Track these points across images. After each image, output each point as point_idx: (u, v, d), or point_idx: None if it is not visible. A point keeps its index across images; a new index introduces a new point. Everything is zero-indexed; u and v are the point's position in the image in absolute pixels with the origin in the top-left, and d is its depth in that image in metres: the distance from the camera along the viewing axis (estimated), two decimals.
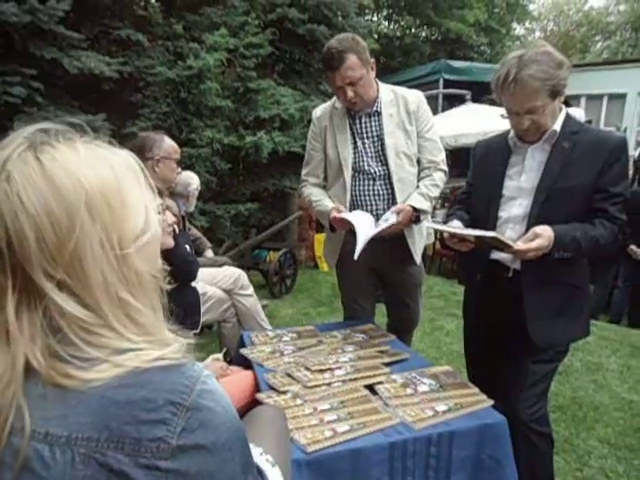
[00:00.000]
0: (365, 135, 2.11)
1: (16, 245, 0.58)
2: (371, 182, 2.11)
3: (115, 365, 0.59)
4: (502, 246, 1.50)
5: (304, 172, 2.26)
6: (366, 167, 2.10)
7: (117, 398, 0.57)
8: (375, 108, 2.10)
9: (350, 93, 1.96)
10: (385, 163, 2.08)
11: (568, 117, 1.57)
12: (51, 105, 3.83)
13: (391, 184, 2.09)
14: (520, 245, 1.45)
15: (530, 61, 1.42)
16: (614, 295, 4.92)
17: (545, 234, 1.44)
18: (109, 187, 0.63)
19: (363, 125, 2.11)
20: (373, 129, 2.10)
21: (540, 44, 1.49)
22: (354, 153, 2.11)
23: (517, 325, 1.61)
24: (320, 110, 2.22)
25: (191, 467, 0.59)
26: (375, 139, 2.10)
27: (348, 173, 2.10)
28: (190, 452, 0.59)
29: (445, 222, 1.84)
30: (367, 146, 2.10)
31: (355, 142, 2.11)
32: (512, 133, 1.65)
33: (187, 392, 0.60)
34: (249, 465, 0.70)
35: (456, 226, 1.67)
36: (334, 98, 2.16)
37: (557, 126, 1.54)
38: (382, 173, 2.09)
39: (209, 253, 3.60)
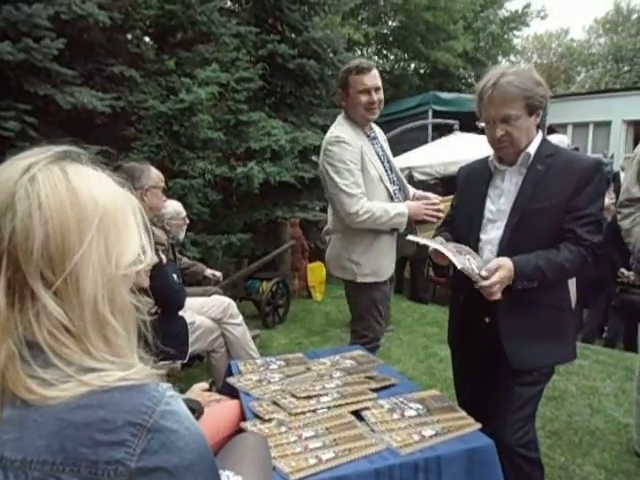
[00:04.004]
0: (380, 155, 2.41)
1: (20, 241, 0.59)
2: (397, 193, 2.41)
3: (79, 384, 0.58)
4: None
5: (359, 191, 2.24)
6: (389, 183, 2.39)
7: (74, 419, 0.56)
8: (372, 133, 2.42)
9: (375, 97, 2.28)
10: (398, 178, 2.45)
11: (544, 141, 1.62)
12: (44, 139, 3.87)
13: (406, 196, 2.45)
14: (484, 282, 1.47)
15: (510, 73, 1.51)
16: (608, 319, 4.91)
17: (506, 266, 1.47)
18: (119, 212, 0.67)
19: (376, 146, 2.41)
20: (379, 150, 2.41)
21: (524, 65, 1.57)
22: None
23: (499, 347, 1.60)
24: (344, 133, 2.30)
25: None
26: (384, 159, 2.41)
27: (390, 186, 2.36)
28: (150, 475, 0.58)
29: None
30: (384, 165, 2.40)
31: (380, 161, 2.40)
32: (492, 156, 1.69)
33: (148, 413, 0.59)
34: None
35: (438, 241, 1.67)
36: (343, 124, 2.35)
37: (532, 149, 1.58)
38: (399, 186, 2.43)
39: (209, 271, 3.56)
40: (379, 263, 2.33)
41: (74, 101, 3.83)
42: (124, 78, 4.58)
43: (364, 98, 2.26)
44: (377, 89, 2.29)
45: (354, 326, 2.49)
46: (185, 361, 2.41)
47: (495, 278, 1.45)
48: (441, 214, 2.23)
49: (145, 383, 0.62)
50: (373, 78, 2.27)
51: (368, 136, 2.39)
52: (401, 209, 2.26)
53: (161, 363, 2.17)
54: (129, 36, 5.07)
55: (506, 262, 1.48)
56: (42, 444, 0.55)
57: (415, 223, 2.29)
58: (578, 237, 1.50)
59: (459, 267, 1.48)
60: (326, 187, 2.37)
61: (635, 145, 2.27)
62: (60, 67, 3.75)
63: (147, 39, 5.31)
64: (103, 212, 0.64)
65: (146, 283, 1.96)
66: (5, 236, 0.59)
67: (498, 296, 1.49)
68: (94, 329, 0.62)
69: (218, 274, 3.59)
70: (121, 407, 0.58)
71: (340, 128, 2.33)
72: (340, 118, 2.40)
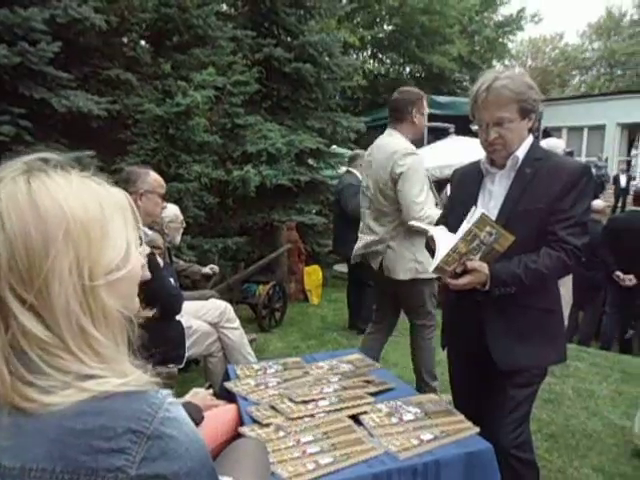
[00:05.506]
0: None
1: None
2: None
3: (79, 390, 0.58)
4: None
5: (422, 198, 2.55)
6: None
7: (74, 427, 0.56)
8: None
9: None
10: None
11: (534, 145, 1.63)
12: (40, 143, 3.86)
13: None
14: (450, 281, 1.55)
15: (504, 77, 1.53)
16: (603, 322, 4.93)
17: (481, 271, 1.52)
18: (92, 219, 0.63)
19: None
20: None
21: (517, 69, 1.60)
22: None
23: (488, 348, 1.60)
24: (411, 145, 2.68)
25: None
26: None
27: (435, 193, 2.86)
28: None
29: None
30: None
31: None
32: (484, 159, 1.70)
33: (149, 420, 0.58)
34: None
35: (440, 230, 1.69)
36: (400, 138, 2.68)
37: (520, 153, 1.60)
38: None
39: (205, 269, 3.59)
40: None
41: (69, 104, 3.81)
42: (120, 81, 4.57)
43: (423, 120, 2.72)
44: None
45: (423, 321, 2.75)
46: (182, 366, 2.40)
47: (460, 282, 1.54)
48: None
49: (145, 390, 0.61)
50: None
51: None
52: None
53: (158, 368, 2.15)
54: (125, 39, 5.06)
55: (482, 268, 1.52)
56: (41, 452, 0.55)
57: None
58: (560, 240, 1.51)
59: (432, 268, 1.55)
60: (391, 193, 2.59)
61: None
62: (56, 70, 3.75)
63: (143, 42, 5.29)
64: (71, 221, 0.61)
65: (148, 275, 1.96)
66: None
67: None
68: (77, 341, 0.61)
69: (215, 267, 3.68)
70: (121, 414, 0.57)
71: (406, 142, 2.66)
72: (398, 135, 2.68)
